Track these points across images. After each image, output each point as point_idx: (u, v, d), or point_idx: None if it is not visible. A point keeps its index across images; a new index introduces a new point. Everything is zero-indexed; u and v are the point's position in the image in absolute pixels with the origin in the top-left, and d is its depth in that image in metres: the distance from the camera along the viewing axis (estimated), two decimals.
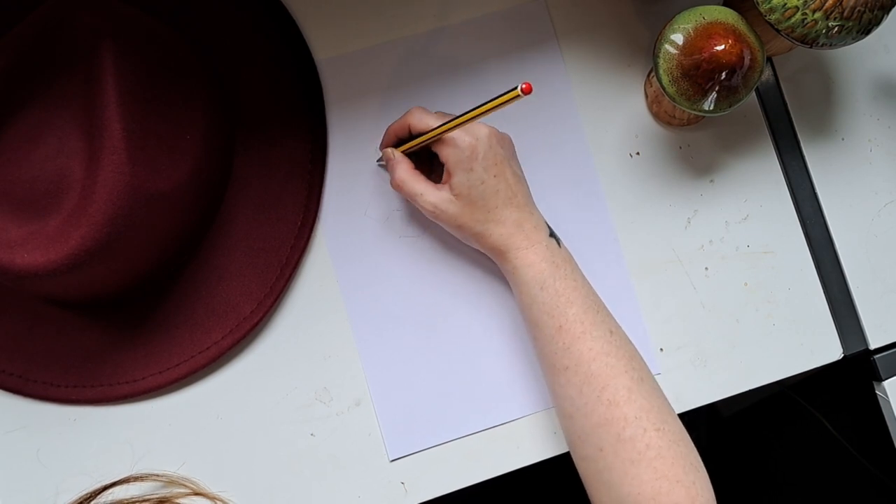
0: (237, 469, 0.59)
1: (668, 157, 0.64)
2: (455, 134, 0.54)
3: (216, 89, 0.59)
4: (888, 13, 0.53)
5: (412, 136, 0.58)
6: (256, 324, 0.59)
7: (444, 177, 0.56)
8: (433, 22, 0.63)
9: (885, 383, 0.64)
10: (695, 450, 0.53)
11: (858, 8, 0.51)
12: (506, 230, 0.56)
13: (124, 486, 0.56)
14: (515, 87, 0.45)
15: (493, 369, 0.61)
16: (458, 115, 0.53)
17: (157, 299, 0.59)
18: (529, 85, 0.44)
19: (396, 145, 0.59)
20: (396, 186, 0.57)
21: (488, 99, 0.49)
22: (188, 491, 0.56)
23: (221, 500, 0.55)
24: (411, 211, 0.62)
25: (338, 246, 0.61)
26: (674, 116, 0.63)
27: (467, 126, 0.55)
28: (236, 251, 0.60)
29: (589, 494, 0.54)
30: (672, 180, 0.64)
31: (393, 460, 0.60)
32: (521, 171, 0.58)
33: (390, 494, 0.60)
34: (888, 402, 0.64)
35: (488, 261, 0.61)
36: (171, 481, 0.57)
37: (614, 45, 0.64)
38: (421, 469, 0.60)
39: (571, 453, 0.55)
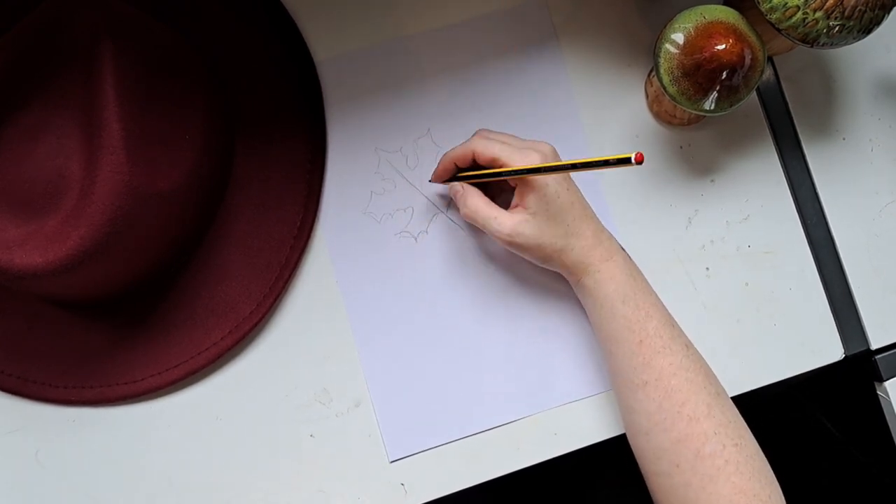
0: (236, 470, 0.59)
1: (668, 156, 0.64)
2: (520, 155, 0.53)
3: (215, 89, 0.59)
4: (889, 12, 0.53)
5: (475, 164, 0.56)
6: (256, 324, 0.59)
7: (515, 199, 0.55)
8: (433, 21, 0.63)
9: (887, 383, 0.64)
10: (767, 463, 0.52)
11: (859, 7, 0.51)
12: (587, 242, 0.54)
13: None
14: (630, 156, 0.43)
15: (494, 370, 0.61)
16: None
17: (157, 299, 0.59)
18: (641, 155, 0.43)
19: (455, 173, 0.58)
20: (469, 216, 0.56)
21: (590, 159, 0.47)
22: None
23: None
24: (412, 211, 0.62)
25: (338, 246, 0.61)
26: (674, 116, 0.62)
27: (531, 144, 0.54)
28: (236, 251, 0.60)
29: None
30: (673, 180, 0.64)
31: (393, 461, 0.60)
32: None
33: (390, 496, 0.60)
34: (889, 402, 0.64)
35: (489, 260, 0.61)
36: None
37: (615, 45, 0.64)
38: (421, 470, 0.60)
39: (642, 469, 0.54)
